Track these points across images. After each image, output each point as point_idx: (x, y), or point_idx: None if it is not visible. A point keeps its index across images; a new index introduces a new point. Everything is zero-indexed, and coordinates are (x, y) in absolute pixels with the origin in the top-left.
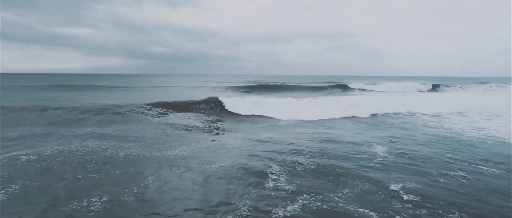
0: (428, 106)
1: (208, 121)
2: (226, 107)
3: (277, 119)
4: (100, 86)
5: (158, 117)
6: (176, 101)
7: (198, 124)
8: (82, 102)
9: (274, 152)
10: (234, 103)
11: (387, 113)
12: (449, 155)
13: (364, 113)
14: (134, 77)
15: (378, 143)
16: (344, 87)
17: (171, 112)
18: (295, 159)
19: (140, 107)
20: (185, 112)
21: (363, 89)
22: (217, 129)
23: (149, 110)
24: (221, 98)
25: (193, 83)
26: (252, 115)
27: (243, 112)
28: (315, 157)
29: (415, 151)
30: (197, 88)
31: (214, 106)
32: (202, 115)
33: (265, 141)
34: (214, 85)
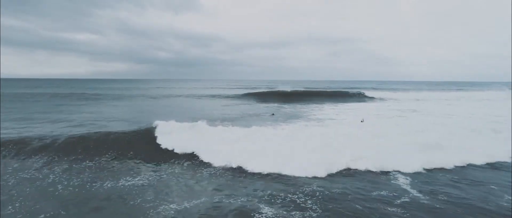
0: None
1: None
2: (202, 158)
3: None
4: (86, 95)
5: (87, 157)
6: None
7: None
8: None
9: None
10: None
11: None
12: None
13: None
14: (135, 83)
15: None
16: (376, 99)
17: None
18: None
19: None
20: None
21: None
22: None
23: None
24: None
25: (198, 90)
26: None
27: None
28: None
29: None
30: (202, 97)
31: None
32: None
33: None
34: (228, 93)
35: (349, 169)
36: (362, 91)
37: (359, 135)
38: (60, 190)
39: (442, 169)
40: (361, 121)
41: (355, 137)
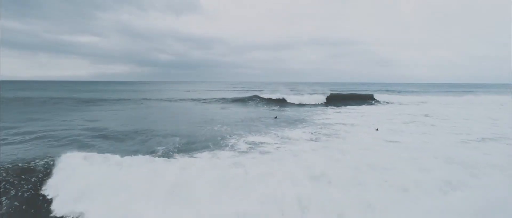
0: None
1: None
2: None
3: None
4: (81, 99)
5: None
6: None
7: None
8: None
9: None
10: None
11: None
12: None
13: None
14: (137, 85)
15: None
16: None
17: None
18: None
19: None
20: None
21: None
22: None
23: None
24: None
25: (200, 93)
26: None
27: None
28: None
29: None
30: (203, 100)
31: None
32: None
33: None
34: (229, 96)
35: None
36: (365, 93)
37: (391, 156)
38: None
39: None
40: (376, 129)
41: (389, 159)
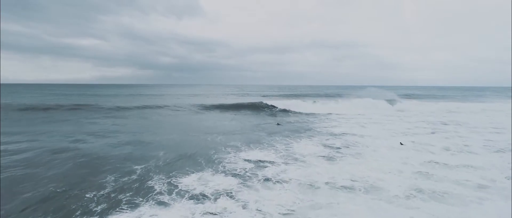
0: None
1: None
2: None
3: None
4: (74, 106)
5: None
6: None
7: None
8: None
9: None
10: None
11: None
12: None
13: None
14: (138, 88)
15: None
16: None
17: None
18: None
19: None
20: None
21: None
22: None
23: None
24: None
25: (202, 97)
26: None
27: None
28: None
29: None
30: (205, 106)
31: None
32: None
33: None
34: (231, 101)
35: None
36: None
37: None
38: None
39: None
40: (401, 144)
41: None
